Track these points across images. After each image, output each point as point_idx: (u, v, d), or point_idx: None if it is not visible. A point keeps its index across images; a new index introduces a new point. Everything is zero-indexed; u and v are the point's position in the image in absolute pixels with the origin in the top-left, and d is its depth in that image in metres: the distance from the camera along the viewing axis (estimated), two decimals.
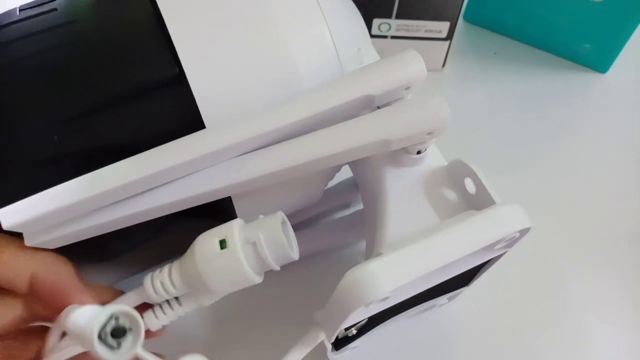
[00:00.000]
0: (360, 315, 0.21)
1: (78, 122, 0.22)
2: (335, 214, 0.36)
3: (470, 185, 0.25)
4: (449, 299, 0.32)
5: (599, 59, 0.46)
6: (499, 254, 0.24)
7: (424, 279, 0.21)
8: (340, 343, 0.27)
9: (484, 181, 0.24)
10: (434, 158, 0.26)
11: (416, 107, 0.23)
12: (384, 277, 0.19)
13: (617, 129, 0.43)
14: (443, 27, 0.40)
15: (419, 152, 0.25)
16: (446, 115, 0.23)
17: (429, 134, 0.23)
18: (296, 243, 0.22)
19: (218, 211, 0.28)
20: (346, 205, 0.36)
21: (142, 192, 0.22)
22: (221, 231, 0.21)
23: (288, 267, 0.33)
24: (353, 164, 0.30)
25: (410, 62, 0.23)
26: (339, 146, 0.22)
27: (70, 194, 0.20)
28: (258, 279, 0.22)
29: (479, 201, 0.24)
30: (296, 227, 0.34)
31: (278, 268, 0.22)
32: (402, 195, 0.25)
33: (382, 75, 0.23)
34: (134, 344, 0.18)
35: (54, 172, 0.22)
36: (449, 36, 0.41)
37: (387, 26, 0.40)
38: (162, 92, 0.22)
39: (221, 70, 0.22)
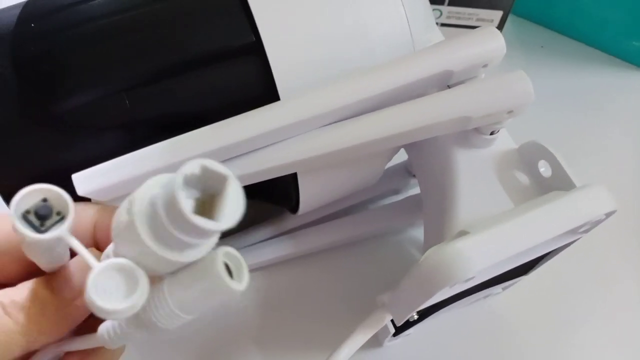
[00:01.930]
0: (441, 296, 0.21)
1: (150, 88, 0.21)
2: (383, 201, 0.35)
3: (544, 169, 0.24)
4: (504, 289, 0.31)
5: None
6: (576, 239, 0.23)
7: (506, 261, 0.20)
8: (399, 328, 0.27)
9: (563, 163, 0.23)
10: (505, 140, 0.25)
11: (499, 83, 0.22)
12: (474, 255, 0.18)
13: None
14: (495, 16, 0.40)
15: (492, 133, 0.24)
16: (529, 91, 0.22)
17: (509, 112, 0.22)
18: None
19: (275, 191, 0.27)
20: (395, 192, 0.35)
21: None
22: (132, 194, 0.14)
23: (337, 252, 0.33)
24: (412, 147, 0.29)
25: (491, 38, 0.23)
26: (419, 122, 0.22)
27: (147, 161, 0.20)
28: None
29: (555, 184, 0.23)
30: (345, 212, 0.33)
31: (195, 241, 0.14)
32: (473, 176, 0.24)
33: (462, 51, 0.22)
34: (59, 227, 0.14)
35: (127, 139, 0.21)
36: (500, 26, 0.40)
37: (438, 12, 0.39)
38: (238, 61, 0.22)
39: (298, 40, 0.22)
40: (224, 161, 0.21)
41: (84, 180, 0.19)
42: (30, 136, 0.21)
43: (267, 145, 0.22)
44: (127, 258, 0.14)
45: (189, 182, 0.13)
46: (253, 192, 0.24)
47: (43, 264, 0.17)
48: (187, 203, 0.12)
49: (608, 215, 0.21)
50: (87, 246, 0.18)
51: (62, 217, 0.14)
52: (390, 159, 0.29)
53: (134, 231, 0.13)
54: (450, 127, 0.23)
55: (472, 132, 0.24)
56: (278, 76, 0.22)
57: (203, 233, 0.13)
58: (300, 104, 0.21)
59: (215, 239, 0.14)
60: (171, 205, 0.12)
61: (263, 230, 0.32)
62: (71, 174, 0.20)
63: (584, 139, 0.41)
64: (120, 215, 0.14)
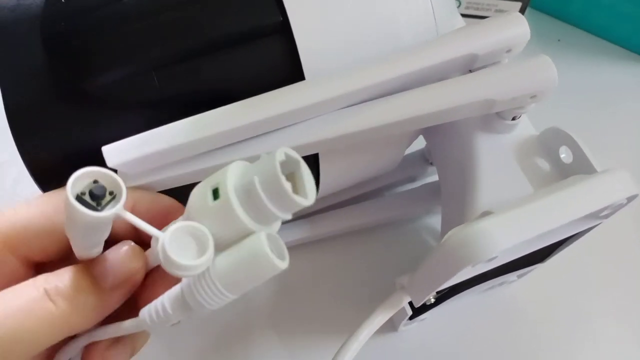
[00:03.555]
0: (462, 276, 0.21)
1: (179, 65, 0.22)
2: (400, 187, 0.35)
3: (565, 155, 0.24)
4: (519, 277, 0.31)
5: None
6: (597, 223, 0.23)
7: (528, 242, 0.20)
8: (416, 311, 0.27)
9: (585, 149, 0.23)
10: (526, 126, 0.25)
11: (524, 67, 0.22)
12: (498, 234, 0.19)
13: None
14: (514, 7, 0.40)
15: (514, 119, 0.24)
16: (554, 76, 0.22)
17: (533, 97, 0.22)
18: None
19: None
20: (412, 179, 0.35)
21: (237, 142, 0.22)
22: (214, 179, 0.16)
23: (353, 237, 0.33)
24: (432, 132, 0.29)
25: (516, 24, 0.23)
26: (444, 104, 0.22)
27: (175, 136, 0.20)
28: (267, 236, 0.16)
29: (576, 170, 0.23)
30: (361, 198, 0.34)
31: (287, 216, 0.16)
32: (495, 161, 0.24)
33: (487, 34, 0.22)
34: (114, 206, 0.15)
35: (155, 117, 0.22)
36: None
37: (457, 3, 0.40)
38: (265, 41, 0.22)
39: (325, 21, 0.22)
40: (244, 140, 0.21)
41: (114, 152, 0.20)
42: (61, 114, 0.22)
43: (291, 125, 0.22)
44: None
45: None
46: None
47: (82, 248, 0.18)
48: (287, 184, 0.14)
49: (630, 199, 0.21)
50: (125, 230, 0.19)
51: (113, 197, 0.15)
52: (409, 144, 0.29)
53: (230, 210, 0.15)
54: (475, 110, 0.23)
55: (494, 117, 0.24)
56: (305, 57, 0.22)
57: (294, 207, 0.15)
58: (326, 83, 0.21)
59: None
60: (272, 185, 0.14)
61: None
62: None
63: (598, 133, 0.41)
64: (201, 199, 0.16)
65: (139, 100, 0.22)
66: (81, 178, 0.15)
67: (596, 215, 0.22)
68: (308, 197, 0.15)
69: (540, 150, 0.25)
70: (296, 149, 0.22)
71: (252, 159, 0.22)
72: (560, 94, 0.43)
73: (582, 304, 0.32)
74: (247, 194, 0.15)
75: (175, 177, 0.21)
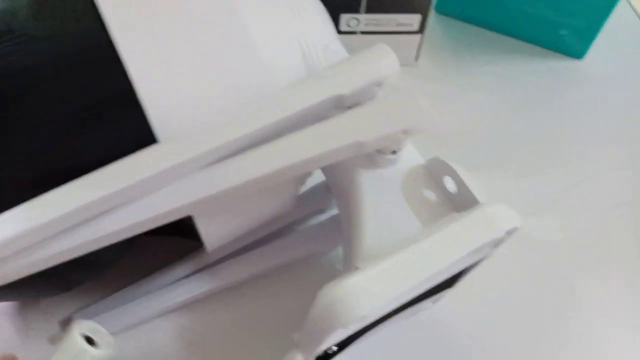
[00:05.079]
0: (340, 335, 0.20)
1: (22, 143, 0.20)
2: (311, 220, 0.34)
3: (450, 184, 0.23)
4: (434, 302, 0.30)
5: (575, 45, 0.45)
6: (485, 255, 0.22)
7: (406, 292, 0.19)
8: None
9: (465, 179, 0.22)
10: (411, 157, 0.24)
11: (388, 105, 0.21)
12: (362, 296, 0.18)
13: (598, 114, 0.42)
14: (414, 20, 0.39)
15: (394, 152, 0.23)
16: (423, 112, 0.21)
17: (404, 132, 0.21)
18: None
19: (185, 227, 0.26)
20: (321, 211, 0.34)
21: (92, 219, 0.20)
22: None
23: (264, 280, 0.32)
24: (325, 168, 0.28)
25: (380, 56, 0.22)
26: (309, 152, 0.21)
27: (18, 222, 0.18)
28: None
29: (462, 201, 0.22)
30: (270, 237, 0.32)
31: None
32: (379, 198, 0.23)
33: (350, 73, 0.21)
34: None
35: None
36: (421, 29, 0.40)
37: (356, 21, 0.39)
38: (112, 109, 0.20)
39: (177, 80, 0.20)
40: (98, 216, 0.20)
41: None
42: None
43: (153, 191, 0.20)
44: None
45: None
46: (167, 228, 0.23)
47: None
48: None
49: (510, 233, 0.20)
50: None
51: None
52: (302, 183, 0.28)
53: None
54: (346, 153, 0.22)
55: (373, 153, 0.23)
56: (156, 120, 0.20)
57: None
58: (177, 144, 0.20)
59: None
60: None
61: (183, 266, 0.30)
62: None
63: (522, 132, 0.41)
64: None
65: None
66: None
67: (477, 252, 0.21)
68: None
69: (427, 181, 0.24)
70: (158, 217, 0.21)
71: (110, 235, 0.20)
72: (476, 97, 0.42)
73: (517, 316, 0.32)
74: None
75: (29, 263, 0.20)
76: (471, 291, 0.31)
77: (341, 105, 0.22)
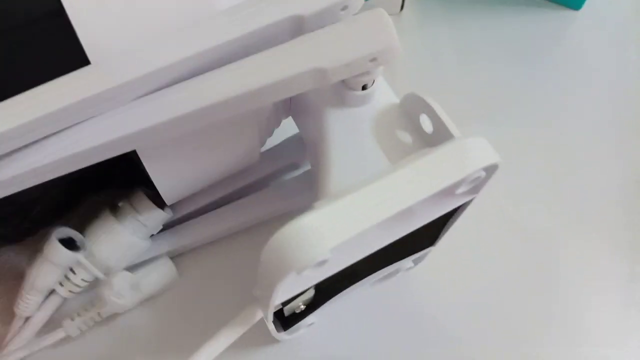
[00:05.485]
0: (297, 286, 0.17)
1: None
2: (286, 175, 0.32)
3: (426, 123, 0.21)
4: (415, 262, 0.28)
5: None
6: (463, 201, 0.20)
7: (372, 237, 0.17)
8: (289, 321, 0.23)
9: (442, 115, 0.20)
10: (384, 95, 0.22)
11: (352, 26, 0.18)
12: (313, 236, 0.15)
13: (593, 67, 0.39)
14: None
15: (364, 88, 0.21)
16: (390, 34, 0.18)
17: (373, 60, 0.19)
18: None
19: (145, 177, 0.24)
20: (295, 166, 0.31)
21: (20, 149, 0.18)
22: None
23: (238, 235, 0.29)
24: (295, 114, 0.26)
25: None
26: (260, 80, 0.18)
27: None
28: None
29: (438, 140, 0.20)
30: (244, 190, 0.30)
31: None
32: (348, 140, 0.21)
33: None
34: None
35: None
36: None
37: None
38: (42, 31, 0.18)
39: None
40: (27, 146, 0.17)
41: None
42: None
43: (84, 120, 0.18)
44: None
45: None
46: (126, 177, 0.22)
47: None
48: None
49: (489, 171, 0.18)
50: None
51: None
52: (267, 133, 0.26)
53: None
54: (307, 83, 0.19)
55: (342, 89, 0.21)
56: (84, 36, 0.18)
57: None
58: (112, 67, 0.17)
59: None
60: None
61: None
62: None
63: (513, 86, 0.38)
64: None
65: None
66: None
67: (452, 193, 0.18)
68: None
69: (402, 121, 0.21)
70: (95, 149, 0.18)
71: (41, 169, 0.18)
72: (465, 49, 0.40)
73: (500, 281, 0.29)
74: None
75: None
76: (455, 275, 0.29)
77: (300, 30, 0.19)
